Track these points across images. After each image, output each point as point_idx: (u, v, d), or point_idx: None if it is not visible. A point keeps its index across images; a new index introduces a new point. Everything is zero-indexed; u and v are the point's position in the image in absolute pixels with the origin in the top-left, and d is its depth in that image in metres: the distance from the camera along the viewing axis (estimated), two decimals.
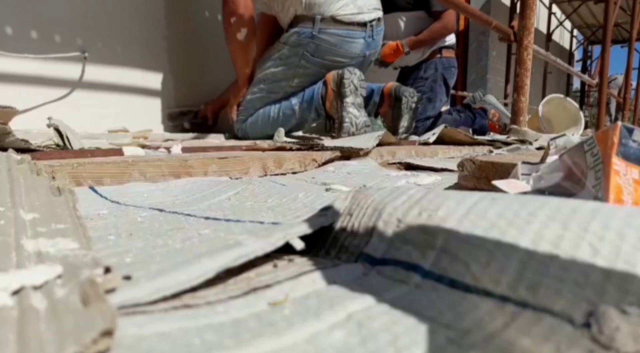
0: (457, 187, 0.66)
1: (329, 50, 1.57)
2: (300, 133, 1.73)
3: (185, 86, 1.91)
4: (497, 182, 0.46)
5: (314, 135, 1.65)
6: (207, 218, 0.44)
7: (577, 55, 8.07)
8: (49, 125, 0.93)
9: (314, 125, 1.72)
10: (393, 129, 1.68)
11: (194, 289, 0.24)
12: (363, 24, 1.60)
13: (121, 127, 1.48)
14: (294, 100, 1.60)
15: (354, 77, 1.48)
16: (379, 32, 1.68)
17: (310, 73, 1.60)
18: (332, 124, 1.55)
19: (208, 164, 0.75)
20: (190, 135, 1.71)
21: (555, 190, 0.43)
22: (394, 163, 1.08)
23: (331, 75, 1.52)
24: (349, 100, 1.47)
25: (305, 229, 0.31)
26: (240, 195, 0.57)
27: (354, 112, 1.47)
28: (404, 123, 1.70)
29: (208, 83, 2.01)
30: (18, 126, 0.99)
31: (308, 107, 1.57)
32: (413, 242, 0.28)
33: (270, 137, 1.42)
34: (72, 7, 1.51)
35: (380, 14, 1.67)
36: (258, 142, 1.32)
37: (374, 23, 1.63)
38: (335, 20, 1.55)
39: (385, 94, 1.75)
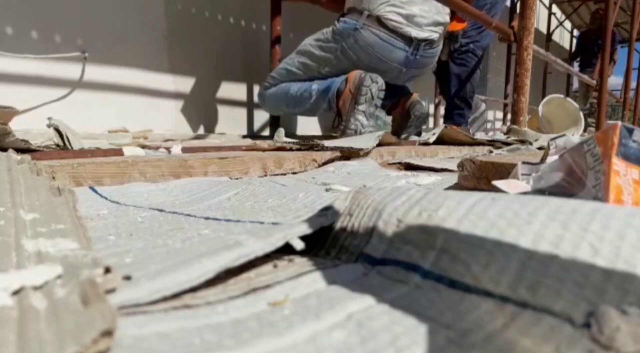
0: (457, 187, 0.66)
1: (365, 49, 1.53)
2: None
3: (185, 86, 1.91)
4: (497, 182, 0.46)
5: (315, 135, 1.65)
6: (207, 218, 0.44)
7: None
8: (49, 126, 0.93)
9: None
10: (395, 133, 1.68)
11: (194, 289, 0.24)
12: (408, 38, 1.54)
13: (121, 127, 1.48)
14: (314, 86, 1.56)
15: (373, 86, 1.45)
16: (428, 53, 1.61)
17: (342, 67, 1.55)
18: (340, 121, 1.52)
19: (208, 164, 0.75)
20: (191, 135, 1.71)
21: (555, 190, 0.43)
22: (394, 163, 1.08)
23: (354, 75, 1.48)
24: (361, 107, 1.45)
25: (305, 229, 0.31)
26: (240, 196, 0.57)
27: (362, 120, 1.46)
28: (405, 134, 1.72)
29: (208, 83, 2.01)
30: (18, 126, 0.99)
31: (323, 96, 1.55)
32: (413, 242, 0.28)
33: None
34: (72, 7, 1.51)
35: (436, 36, 1.60)
36: (258, 142, 1.32)
37: (422, 43, 1.56)
38: (379, 22, 1.52)
39: (403, 102, 1.75)
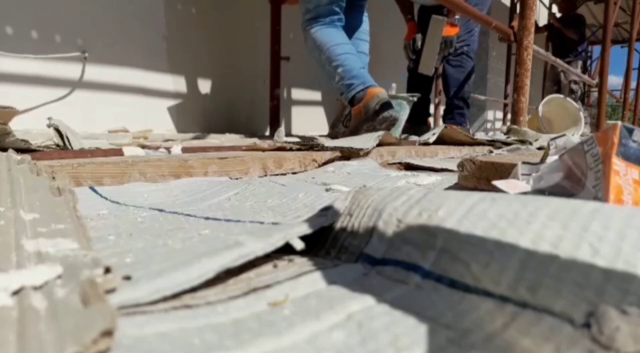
0: (457, 187, 0.66)
1: None
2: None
3: (185, 86, 1.91)
4: (497, 182, 0.46)
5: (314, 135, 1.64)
6: (207, 218, 0.44)
7: None
8: (49, 125, 0.93)
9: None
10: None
11: (194, 289, 0.24)
12: None
13: (121, 127, 1.48)
14: (340, 69, 1.51)
15: (382, 127, 1.41)
16: None
17: None
18: (349, 120, 1.52)
19: (208, 164, 0.75)
20: (191, 135, 1.71)
21: (555, 191, 0.43)
22: (394, 163, 1.08)
23: (372, 96, 1.43)
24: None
25: (305, 229, 0.31)
26: (241, 196, 0.57)
27: None
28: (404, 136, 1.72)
29: (208, 83, 2.01)
30: (18, 126, 0.99)
31: (344, 89, 1.51)
32: (413, 242, 0.28)
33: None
34: (72, 7, 1.51)
35: None
36: (258, 142, 1.32)
37: None
38: None
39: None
